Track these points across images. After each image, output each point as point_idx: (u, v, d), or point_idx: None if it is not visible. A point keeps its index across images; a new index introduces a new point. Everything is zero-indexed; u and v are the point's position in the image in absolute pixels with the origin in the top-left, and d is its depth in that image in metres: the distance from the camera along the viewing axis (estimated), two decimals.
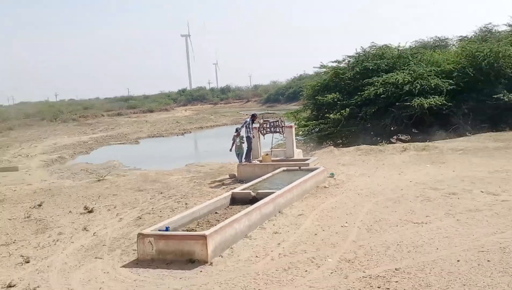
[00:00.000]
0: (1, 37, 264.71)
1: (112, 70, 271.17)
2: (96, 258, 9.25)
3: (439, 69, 25.82)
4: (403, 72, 25.54)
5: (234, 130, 18.13)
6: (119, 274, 8.23)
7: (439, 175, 14.51)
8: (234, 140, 17.65)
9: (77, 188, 17.29)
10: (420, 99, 23.65)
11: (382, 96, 24.70)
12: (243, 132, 17.31)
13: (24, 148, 40.21)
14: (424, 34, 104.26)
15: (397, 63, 27.16)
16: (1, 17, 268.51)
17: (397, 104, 24.39)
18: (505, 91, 23.73)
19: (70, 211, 13.56)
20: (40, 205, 14.49)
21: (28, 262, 9.29)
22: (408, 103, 23.80)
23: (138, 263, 8.66)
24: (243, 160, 17.22)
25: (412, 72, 25.29)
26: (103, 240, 10.38)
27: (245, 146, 17.47)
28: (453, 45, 33.29)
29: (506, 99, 23.24)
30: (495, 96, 23.62)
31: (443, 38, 34.69)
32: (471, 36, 33.05)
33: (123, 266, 8.59)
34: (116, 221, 12.07)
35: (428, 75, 24.95)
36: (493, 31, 32.85)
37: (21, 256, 9.69)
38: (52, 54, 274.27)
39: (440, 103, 23.68)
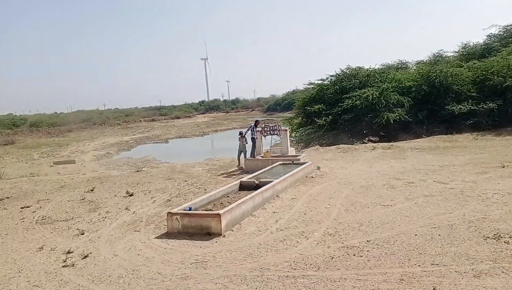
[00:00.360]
0: (63, 57, 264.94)
1: (147, 85, 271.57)
2: (135, 231, 9.27)
3: (400, 85, 25.79)
4: (372, 88, 25.50)
5: (238, 133, 18.36)
6: (153, 243, 8.24)
7: (401, 168, 14.47)
8: (239, 140, 17.77)
9: (121, 177, 17.34)
10: (386, 114, 23.69)
11: (357, 106, 24.72)
12: (248, 135, 17.56)
13: (80, 146, 40.33)
14: (389, 59, 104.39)
15: (368, 81, 27.09)
16: (63, 45, 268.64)
17: (369, 116, 24.34)
18: (454, 102, 23.72)
19: (115, 195, 13.60)
20: (92, 190, 14.53)
21: (83, 234, 9.33)
22: (377, 119, 23.84)
23: (167, 235, 8.67)
24: (249, 156, 17.30)
25: (378, 88, 25.26)
26: (140, 217, 10.41)
27: (248, 146, 17.58)
28: (412, 66, 33.12)
29: (454, 109, 23.25)
30: (446, 106, 23.64)
31: (404, 61, 34.52)
32: (426, 60, 32.94)
33: (156, 238, 8.60)
34: (151, 202, 12.10)
35: (392, 92, 24.96)
36: (443, 56, 32.70)
37: (77, 229, 9.74)
38: (100, 71, 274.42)
39: (402, 116, 23.77)
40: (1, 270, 7.42)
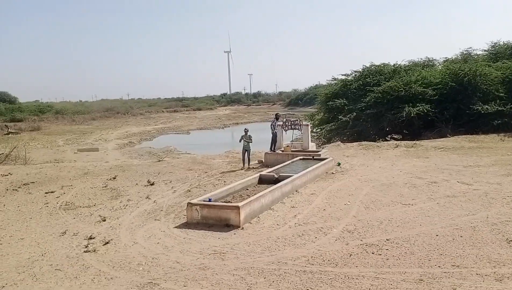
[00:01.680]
0: (88, 46, 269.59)
1: (170, 76, 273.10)
2: (155, 220, 9.40)
3: (426, 81, 25.25)
4: (396, 80, 25.16)
5: (244, 131, 16.53)
6: (172, 233, 8.35)
7: (424, 167, 14.24)
8: (243, 138, 16.06)
9: (142, 166, 17.56)
10: (409, 108, 23.23)
11: (379, 101, 24.40)
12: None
13: (103, 134, 41.07)
14: (415, 56, 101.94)
15: (393, 77, 26.67)
16: (87, 33, 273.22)
17: (392, 112, 23.98)
18: (480, 102, 23.20)
19: (136, 184, 13.79)
20: (114, 178, 14.77)
21: (104, 220, 9.51)
22: (401, 111, 23.37)
23: (187, 225, 8.76)
24: (269, 150, 17.25)
25: (401, 81, 24.87)
26: (161, 207, 10.54)
27: (252, 145, 16.34)
28: (439, 64, 32.36)
29: (480, 109, 22.73)
30: (472, 106, 23.12)
31: (431, 58, 33.72)
32: (454, 58, 32.21)
33: (176, 227, 8.70)
34: (171, 192, 12.23)
35: (415, 83, 24.54)
36: (472, 54, 31.92)
37: (99, 216, 9.93)
38: (125, 61, 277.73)
39: (426, 111, 23.28)
40: (25, 253, 7.65)
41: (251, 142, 16.12)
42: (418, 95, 23.93)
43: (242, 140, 16.06)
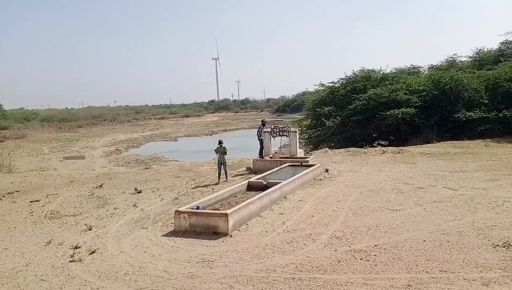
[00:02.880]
0: (74, 53, 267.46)
1: (158, 83, 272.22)
2: (142, 228, 9.30)
3: (411, 88, 25.52)
4: (383, 88, 25.40)
5: (218, 143, 15.18)
6: (160, 241, 8.27)
7: (410, 173, 14.36)
8: (217, 151, 14.82)
9: (129, 174, 17.42)
10: (394, 111, 23.45)
11: (365, 107, 24.60)
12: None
13: (90, 141, 40.64)
14: (402, 63, 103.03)
15: (380, 84, 26.89)
16: (72, 42, 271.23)
17: (376, 115, 24.24)
18: (463, 109, 23.54)
19: (123, 191, 13.66)
20: (101, 186, 14.61)
21: (90, 229, 9.38)
22: (386, 113, 23.61)
23: (174, 233, 8.69)
24: (257, 156, 17.26)
25: (388, 88, 25.13)
26: (148, 215, 10.45)
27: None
28: (424, 71, 32.78)
29: (462, 117, 23.07)
30: (455, 114, 23.44)
31: (417, 66, 34.16)
32: (439, 65, 32.62)
33: (163, 235, 8.62)
34: (159, 200, 12.14)
35: (400, 90, 24.78)
36: (457, 61, 32.36)
37: (85, 224, 9.81)
38: (112, 67, 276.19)
39: (411, 114, 23.50)
40: (9, 263, 7.49)
41: (226, 154, 14.79)
42: (402, 102, 24.22)
43: (218, 154, 14.72)
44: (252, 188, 12.09)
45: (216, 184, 14.12)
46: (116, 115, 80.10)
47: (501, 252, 6.77)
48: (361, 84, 27.16)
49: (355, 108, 24.95)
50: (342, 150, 21.42)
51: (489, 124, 22.83)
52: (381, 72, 28.65)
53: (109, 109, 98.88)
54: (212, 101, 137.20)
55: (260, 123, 18.02)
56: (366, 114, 24.77)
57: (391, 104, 24.21)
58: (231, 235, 8.29)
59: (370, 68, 29.05)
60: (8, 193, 13.93)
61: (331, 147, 24.21)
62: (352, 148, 21.89)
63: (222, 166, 14.67)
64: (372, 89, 25.53)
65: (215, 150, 14.92)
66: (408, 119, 23.61)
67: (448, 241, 7.38)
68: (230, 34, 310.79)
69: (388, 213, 9.45)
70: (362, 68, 29.22)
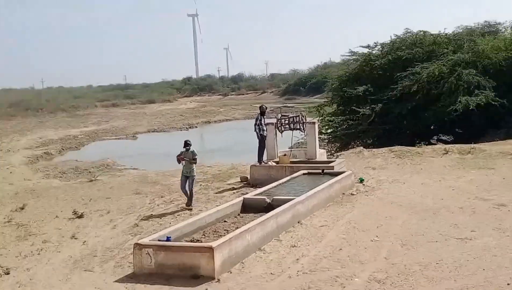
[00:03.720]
0: None
1: (107, 55, 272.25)
2: (85, 271, 9.29)
3: (483, 61, 25.15)
4: (437, 63, 25.00)
5: (184, 145, 14.14)
6: (112, 289, 8.26)
7: (487, 182, 14.37)
8: (182, 156, 13.97)
9: (66, 189, 17.39)
10: (465, 98, 22.86)
11: (416, 92, 24.30)
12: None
13: (5, 142, 40.51)
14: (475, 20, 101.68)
15: (433, 53, 26.69)
16: None
17: (439, 105, 23.82)
18: None
19: (56, 216, 13.64)
20: (22, 208, 14.58)
21: (8, 273, 9.35)
22: (450, 106, 23.22)
23: (134, 277, 8.66)
24: (256, 162, 17.08)
25: (447, 63, 24.84)
26: (94, 251, 10.42)
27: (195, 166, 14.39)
28: (505, 30, 32.54)
29: None
30: None
31: (494, 23, 33.75)
32: None
33: (117, 281, 8.61)
34: (109, 228, 12.12)
35: (469, 70, 24.33)
36: None
37: (0, 267, 9.76)
38: (38, 34, 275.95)
39: (490, 100, 23.04)
40: None
41: (195, 162, 14.19)
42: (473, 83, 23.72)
43: (183, 162, 14.03)
44: (250, 208, 12.10)
45: (189, 207, 13.75)
46: (45, 102, 79.88)
47: None
48: (407, 52, 26.89)
49: (402, 89, 24.62)
50: (384, 149, 21.41)
51: None
52: (442, 35, 28.45)
53: (34, 93, 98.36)
54: (189, 79, 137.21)
55: (258, 111, 17.75)
56: (420, 100, 24.41)
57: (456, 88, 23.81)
58: (218, 280, 8.28)
59: (420, 30, 28.87)
60: None
61: (367, 146, 24.24)
62: (399, 146, 21.88)
63: (188, 181, 14.00)
64: (423, 67, 24.94)
65: (177, 156, 14.10)
66: (483, 104, 23.30)
67: None
68: None
69: (455, 243, 9.45)
70: (408, 31, 29.14)
